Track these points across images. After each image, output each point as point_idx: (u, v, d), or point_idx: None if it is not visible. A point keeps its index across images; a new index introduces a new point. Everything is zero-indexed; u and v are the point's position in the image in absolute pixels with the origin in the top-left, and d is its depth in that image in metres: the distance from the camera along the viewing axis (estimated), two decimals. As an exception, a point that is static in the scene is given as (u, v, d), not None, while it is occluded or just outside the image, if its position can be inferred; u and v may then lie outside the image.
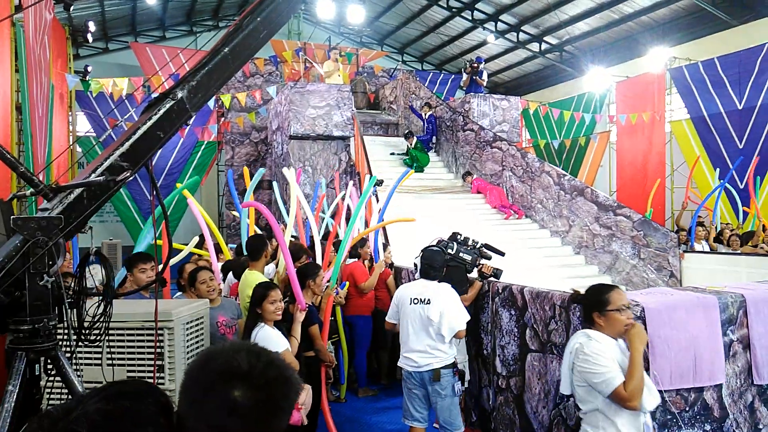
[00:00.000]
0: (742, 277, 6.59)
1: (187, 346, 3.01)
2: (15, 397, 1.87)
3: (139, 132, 2.22)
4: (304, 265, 4.57)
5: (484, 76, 12.59)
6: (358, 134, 10.11)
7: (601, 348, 2.55)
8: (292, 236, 5.46)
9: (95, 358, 2.81)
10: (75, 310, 2.17)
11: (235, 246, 6.69)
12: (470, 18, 18.18)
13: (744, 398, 3.34)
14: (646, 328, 2.94)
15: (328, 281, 4.92)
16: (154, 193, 2.50)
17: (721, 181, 10.23)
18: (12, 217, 1.99)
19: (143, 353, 2.84)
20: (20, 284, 1.93)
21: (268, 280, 4.22)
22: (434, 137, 12.31)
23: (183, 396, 1.13)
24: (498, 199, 10.10)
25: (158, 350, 2.81)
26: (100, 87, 11.04)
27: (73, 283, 2.21)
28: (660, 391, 2.82)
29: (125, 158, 2.18)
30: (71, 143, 11.81)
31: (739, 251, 8.19)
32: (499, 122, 12.05)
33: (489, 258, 4.65)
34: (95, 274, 2.27)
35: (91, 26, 12.58)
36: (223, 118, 13.76)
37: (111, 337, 2.66)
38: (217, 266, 5.01)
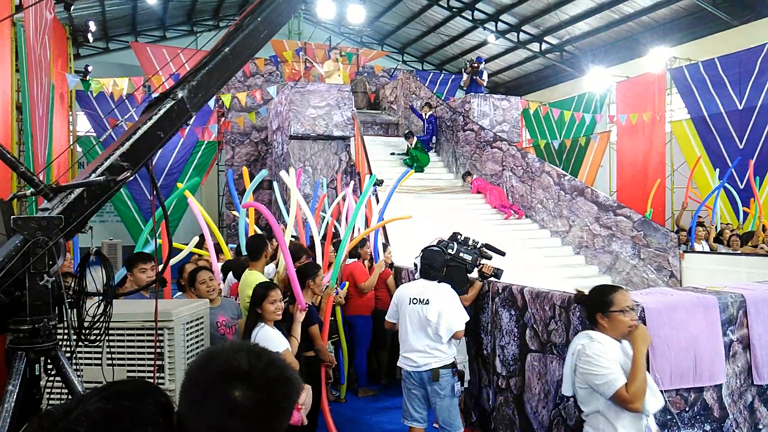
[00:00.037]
0: (742, 278, 6.59)
1: (187, 346, 3.01)
2: (15, 396, 1.87)
3: (140, 132, 2.22)
4: (303, 265, 4.57)
5: (485, 76, 12.59)
6: (359, 134, 10.11)
7: (603, 349, 2.53)
8: (292, 236, 5.46)
9: (95, 358, 2.81)
10: (75, 310, 2.17)
11: (235, 246, 6.69)
12: (470, 18, 18.18)
13: (744, 398, 3.34)
14: (646, 329, 2.93)
15: (328, 282, 4.92)
16: (155, 193, 2.50)
17: (721, 180, 10.24)
18: (12, 216, 1.99)
19: (143, 353, 2.84)
20: (20, 284, 1.93)
21: (268, 280, 4.22)
22: (434, 137, 12.31)
23: (183, 396, 1.13)
24: (498, 199, 10.10)
25: (158, 350, 2.81)
26: (100, 87, 11.04)
27: (73, 283, 2.21)
28: (660, 391, 2.81)
29: (125, 158, 2.18)
30: (71, 143, 11.81)
31: (739, 251, 8.19)
32: (499, 122, 12.05)
33: (489, 258, 4.65)
34: (98, 279, 2.27)
35: (92, 26, 12.56)
36: (223, 118, 13.76)
37: (111, 337, 2.66)
38: (217, 266, 5.00)
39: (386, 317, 4.26)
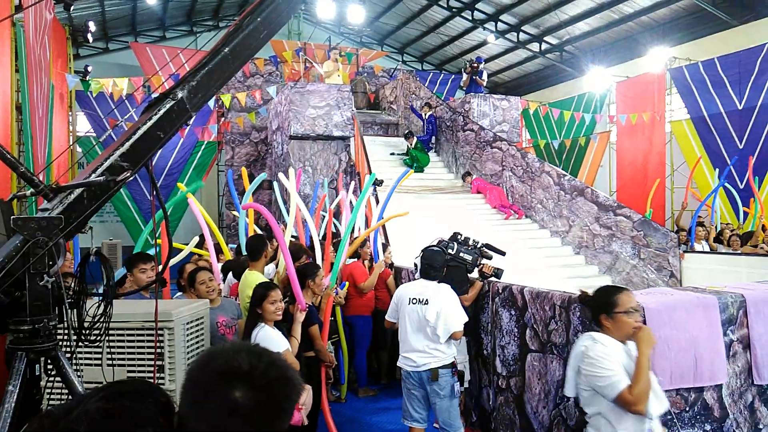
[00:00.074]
0: (742, 277, 6.59)
1: (187, 347, 3.01)
2: (15, 397, 1.87)
3: (140, 132, 2.22)
4: (303, 265, 4.56)
5: (484, 76, 12.59)
6: (358, 134, 10.11)
7: (606, 351, 2.51)
8: (292, 236, 5.46)
9: (95, 359, 2.81)
10: (75, 310, 2.17)
11: (235, 246, 6.69)
12: (470, 18, 18.18)
13: (744, 398, 3.34)
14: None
15: (328, 282, 4.92)
16: (155, 193, 2.50)
17: (720, 179, 10.25)
18: (12, 217, 1.99)
19: (143, 353, 2.84)
20: (20, 284, 1.93)
21: (268, 280, 4.22)
22: (434, 137, 12.32)
23: (184, 397, 1.12)
24: (498, 199, 10.10)
25: (158, 350, 2.81)
26: (100, 87, 11.04)
27: (73, 284, 2.21)
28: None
29: (125, 158, 2.18)
30: (71, 143, 11.81)
31: (739, 251, 8.19)
32: (499, 122, 12.05)
33: (490, 258, 4.65)
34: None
35: (92, 26, 12.57)
36: (223, 118, 13.76)
37: (111, 338, 2.66)
38: (217, 266, 5.00)
39: (386, 316, 4.27)
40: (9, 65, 6.76)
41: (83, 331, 2.22)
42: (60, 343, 2.08)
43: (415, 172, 10.82)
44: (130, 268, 4.16)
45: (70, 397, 2.00)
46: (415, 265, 4.28)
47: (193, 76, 2.37)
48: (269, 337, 3.44)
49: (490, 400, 4.48)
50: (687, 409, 3.15)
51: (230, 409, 1.07)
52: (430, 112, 12.14)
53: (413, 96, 13.35)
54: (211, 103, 11.72)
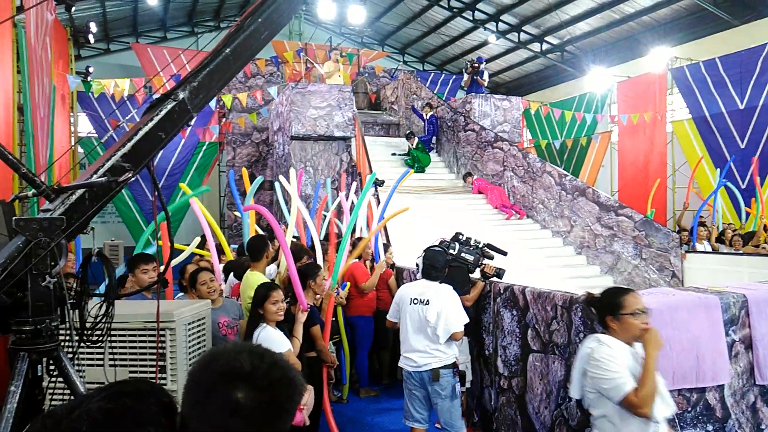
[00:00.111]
0: (744, 278, 6.58)
1: (189, 347, 3.01)
2: (17, 397, 1.88)
3: (141, 133, 2.23)
4: (305, 265, 4.57)
5: (485, 77, 12.58)
6: (360, 135, 10.11)
7: (612, 353, 2.48)
8: (293, 237, 5.47)
9: (97, 359, 2.82)
10: (77, 310, 2.17)
11: (237, 246, 6.69)
12: (471, 18, 18.18)
13: (746, 398, 3.33)
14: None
15: (329, 283, 4.92)
16: (156, 194, 2.50)
17: (720, 178, 10.23)
18: (14, 218, 1.99)
19: (145, 354, 2.85)
20: (23, 285, 1.93)
21: (269, 280, 4.22)
22: (435, 138, 12.31)
23: (186, 397, 1.13)
24: (499, 199, 10.10)
25: (160, 351, 2.82)
26: (101, 88, 11.06)
27: (75, 284, 2.21)
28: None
29: (127, 159, 2.19)
30: (73, 144, 11.82)
31: (741, 251, 8.17)
32: (500, 122, 12.04)
33: (491, 258, 4.65)
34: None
35: (93, 27, 12.58)
36: (224, 119, 13.77)
37: (113, 338, 2.66)
38: (219, 267, 5.01)
39: (387, 316, 4.27)
40: (11, 66, 6.77)
41: (85, 332, 2.22)
42: (62, 343, 2.08)
43: (416, 172, 10.83)
44: (131, 268, 4.16)
45: (72, 397, 2.00)
46: (417, 265, 4.28)
47: (194, 76, 2.38)
48: (271, 338, 3.44)
49: (492, 401, 4.48)
50: (689, 409, 3.14)
51: (232, 409, 1.07)
52: (431, 113, 12.14)
53: (414, 96, 13.35)
54: (213, 103, 11.73)
